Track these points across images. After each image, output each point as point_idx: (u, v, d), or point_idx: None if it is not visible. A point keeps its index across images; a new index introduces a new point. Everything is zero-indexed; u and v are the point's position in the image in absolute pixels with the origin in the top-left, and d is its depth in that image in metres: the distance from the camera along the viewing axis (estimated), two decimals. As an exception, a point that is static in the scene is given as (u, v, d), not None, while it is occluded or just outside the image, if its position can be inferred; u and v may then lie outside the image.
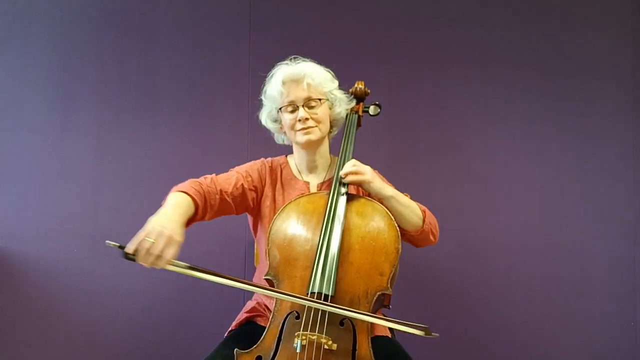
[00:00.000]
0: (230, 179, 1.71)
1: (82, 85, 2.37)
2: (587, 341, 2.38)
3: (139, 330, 2.32)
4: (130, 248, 1.32)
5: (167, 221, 1.39)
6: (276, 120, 1.80)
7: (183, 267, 1.38)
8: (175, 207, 1.49)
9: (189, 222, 1.58)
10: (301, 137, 1.72)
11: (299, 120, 1.70)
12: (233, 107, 2.40)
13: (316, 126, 1.72)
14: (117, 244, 1.32)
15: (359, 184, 1.66)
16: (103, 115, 2.36)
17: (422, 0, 2.47)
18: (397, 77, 2.43)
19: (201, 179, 1.66)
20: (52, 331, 2.30)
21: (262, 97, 1.79)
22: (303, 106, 1.70)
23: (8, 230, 2.30)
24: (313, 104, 1.71)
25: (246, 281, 1.45)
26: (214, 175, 1.70)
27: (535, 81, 2.45)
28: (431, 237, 1.71)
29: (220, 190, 1.67)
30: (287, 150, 1.87)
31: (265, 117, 1.82)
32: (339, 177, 1.65)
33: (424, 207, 1.71)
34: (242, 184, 1.72)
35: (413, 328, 1.40)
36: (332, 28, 2.44)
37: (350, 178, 1.63)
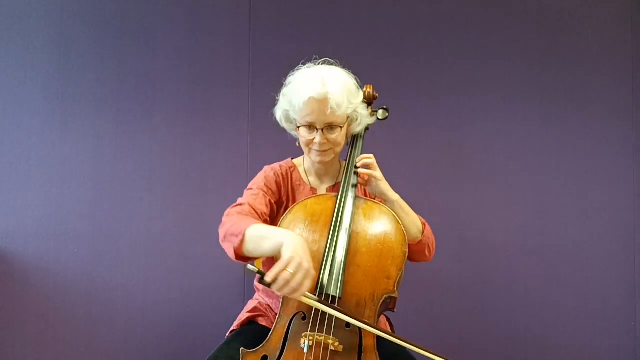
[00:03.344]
0: (260, 198, 1.68)
1: (82, 85, 2.36)
2: (587, 341, 2.38)
3: (138, 331, 2.32)
4: (269, 277, 1.33)
5: (304, 252, 1.38)
6: (291, 122, 1.74)
7: (314, 300, 1.41)
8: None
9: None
10: (315, 157, 1.70)
11: (315, 143, 1.66)
12: (233, 107, 2.39)
13: (332, 149, 1.68)
14: (257, 270, 1.35)
15: (368, 177, 1.65)
16: (103, 115, 2.36)
17: (422, 0, 2.47)
18: (397, 77, 2.43)
19: (239, 209, 1.62)
20: (51, 331, 2.29)
21: (281, 94, 1.73)
22: (323, 130, 1.64)
23: (8, 230, 2.30)
24: (333, 128, 1.65)
25: (373, 324, 1.46)
26: (245, 201, 1.66)
27: (535, 81, 2.45)
28: (427, 252, 1.70)
29: (262, 213, 1.65)
30: (289, 148, 1.87)
31: (280, 115, 1.75)
32: (349, 184, 1.65)
33: (424, 220, 1.71)
34: (270, 200, 1.70)
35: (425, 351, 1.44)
36: (332, 28, 2.43)
37: (365, 162, 1.64)
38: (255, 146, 2.36)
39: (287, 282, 1.32)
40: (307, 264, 1.35)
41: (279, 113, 1.76)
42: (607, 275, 2.41)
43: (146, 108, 2.37)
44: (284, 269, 1.32)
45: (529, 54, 2.45)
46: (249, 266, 1.35)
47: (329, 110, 1.60)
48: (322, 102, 1.59)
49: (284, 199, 1.76)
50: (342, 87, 1.62)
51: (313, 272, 1.37)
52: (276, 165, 1.81)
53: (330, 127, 1.65)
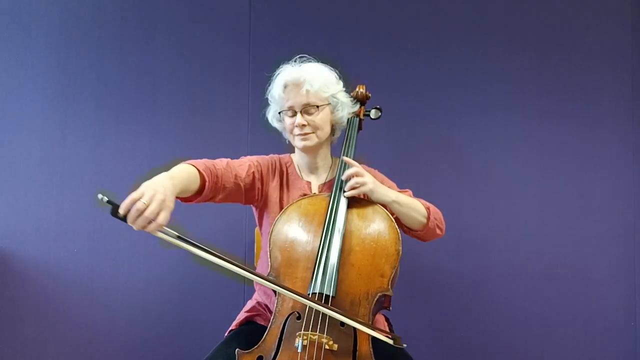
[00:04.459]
0: (243, 165, 1.72)
1: (82, 85, 2.36)
2: (587, 341, 2.38)
3: (138, 330, 2.32)
4: (122, 207, 1.28)
5: (162, 186, 1.36)
6: (280, 120, 1.80)
7: (172, 236, 1.35)
8: (173, 177, 1.44)
9: (194, 197, 1.58)
10: (298, 143, 1.74)
11: (297, 126, 1.70)
12: (233, 107, 2.40)
13: (313, 132, 1.72)
14: (108, 200, 1.28)
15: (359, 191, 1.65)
16: (102, 115, 2.36)
17: (422, 0, 2.47)
18: (396, 77, 2.43)
19: (216, 161, 1.65)
20: (51, 331, 2.30)
21: (268, 97, 1.79)
22: (301, 112, 1.70)
23: (8, 230, 2.30)
24: (311, 110, 1.70)
25: (240, 264, 1.39)
26: (228, 159, 1.70)
27: (535, 81, 2.45)
28: (437, 232, 1.73)
29: (235, 175, 1.67)
30: (289, 149, 1.88)
31: (271, 116, 1.83)
32: (342, 183, 1.65)
33: (427, 204, 1.72)
34: (254, 172, 1.73)
35: (384, 335, 1.43)
36: (332, 28, 2.44)
37: (351, 193, 1.62)
38: (255, 146, 2.36)
39: (141, 213, 1.29)
40: (162, 195, 1.33)
41: (270, 115, 1.83)
42: (607, 275, 2.40)
43: (146, 108, 2.38)
44: (138, 199, 1.29)
45: (529, 54, 2.45)
46: (99, 195, 1.28)
47: (304, 90, 1.67)
48: (297, 85, 1.69)
49: (276, 185, 1.78)
50: (317, 71, 1.71)
51: (170, 205, 1.34)
52: (276, 156, 1.86)
53: (308, 109, 1.70)
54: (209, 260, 1.37)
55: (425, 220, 1.68)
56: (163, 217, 1.31)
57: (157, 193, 1.32)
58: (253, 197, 1.75)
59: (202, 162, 1.60)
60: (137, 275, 2.33)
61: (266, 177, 1.77)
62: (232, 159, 1.74)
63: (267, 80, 1.80)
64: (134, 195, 1.30)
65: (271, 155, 1.85)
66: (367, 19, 2.45)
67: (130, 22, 2.39)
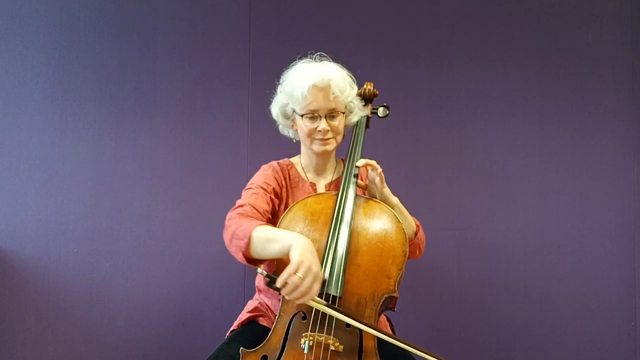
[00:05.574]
0: (260, 197, 1.66)
1: (82, 85, 2.36)
2: (587, 341, 2.38)
3: (138, 331, 2.32)
4: (280, 282, 1.37)
5: (311, 254, 1.40)
6: (288, 117, 1.75)
7: (323, 305, 1.43)
8: (305, 240, 1.44)
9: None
10: (318, 148, 1.71)
11: (320, 131, 1.67)
12: (233, 107, 2.39)
13: (334, 137, 1.70)
14: (267, 274, 1.40)
15: (373, 179, 1.65)
16: (103, 115, 2.36)
17: (422, 0, 2.47)
18: (397, 77, 2.43)
19: (240, 210, 1.60)
20: (51, 331, 2.29)
21: (279, 90, 1.74)
22: (325, 117, 1.66)
23: (8, 230, 2.30)
24: (335, 114, 1.68)
25: (384, 330, 1.48)
26: (246, 202, 1.63)
27: (535, 81, 2.45)
28: (417, 252, 1.74)
29: (264, 212, 1.64)
30: (289, 148, 1.87)
31: (277, 111, 1.76)
32: (350, 180, 1.64)
33: (417, 222, 1.74)
34: (271, 197, 1.69)
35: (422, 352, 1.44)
36: (332, 28, 2.43)
37: (370, 168, 1.63)
38: (255, 146, 2.36)
39: (297, 287, 1.35)
40: (316, 267, 1.37)
41: (275, 109, 1.76)
42: (607, 275, 2.41)
43: (146, 108, 2.37)
44: (294, 273, 1.34)
45: (529, 54, 2.45)
46: (259, 270, 1.39)
47: (332, 96, 1.63)
48: (324, 89, 1.63)
49: (283, 195, 1.75)
50: (342, 75, 1.67)
51: (322, 276, 1.40)
52: (274, 163, 1.81)
53: (333, 113, 1.67)
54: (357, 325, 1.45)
55: (413, 237, 1.70)
56: (316, 290, 1.38)
57: (312, 265, 1.37)
58: (272, 214, 1.71)
59: (252, 212, 1.59)
60: (137, 275, 2.32)
61: (279, 192, 1.74)
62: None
63: (267, 80, 1.79)
64: (290, 269, 1.35)
65: (270, 164, 1.81)
66: (367, 20, 2.45)
67: (130, 22, 2.39)
